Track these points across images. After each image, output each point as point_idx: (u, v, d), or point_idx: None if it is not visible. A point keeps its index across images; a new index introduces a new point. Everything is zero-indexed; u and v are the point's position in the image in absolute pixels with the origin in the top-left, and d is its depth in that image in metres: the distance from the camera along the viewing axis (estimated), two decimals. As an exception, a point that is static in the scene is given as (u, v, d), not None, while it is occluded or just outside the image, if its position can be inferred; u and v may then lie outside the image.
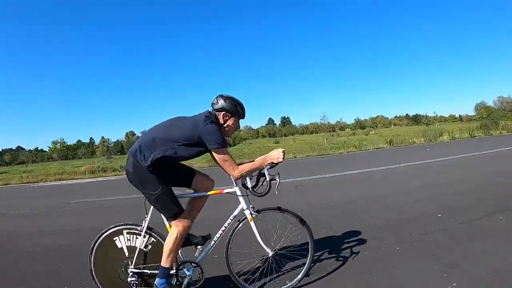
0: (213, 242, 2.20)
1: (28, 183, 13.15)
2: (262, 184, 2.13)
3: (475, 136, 18.29)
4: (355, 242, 3.01)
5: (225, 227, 2.19)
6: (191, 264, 2.19)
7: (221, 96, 2.14)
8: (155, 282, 2.10)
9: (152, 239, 2.19)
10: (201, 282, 2.17)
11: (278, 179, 2.08)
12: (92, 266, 2.17)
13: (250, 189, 2.11)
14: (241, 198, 2.18)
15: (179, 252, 2.17)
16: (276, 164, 2.13)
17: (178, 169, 2.27)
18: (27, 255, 3.42)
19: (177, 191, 2.16)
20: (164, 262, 2.08)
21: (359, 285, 2.26)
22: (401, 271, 2.38)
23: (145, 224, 2.16)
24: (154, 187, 2.03)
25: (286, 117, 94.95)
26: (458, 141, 16.45)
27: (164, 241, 2.14)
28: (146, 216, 2.16)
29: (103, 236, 2.18)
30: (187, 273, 2.16)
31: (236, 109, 2.14)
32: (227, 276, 2.21)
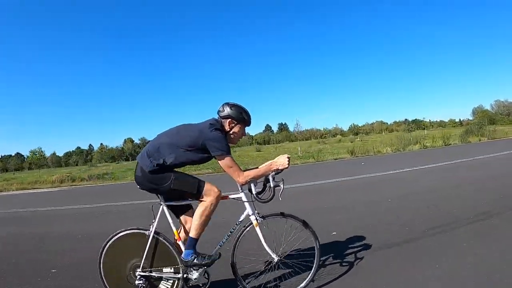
0: (219, 246, 2.23)
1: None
2: (267, 190, 2.16)
3: (450, 144, 17.67)
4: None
5: (231, 232, 2.22)
6: (198, 268, 2.23)
7: (227, 103, 2.19)
8: (182, 256, 2.15)
9: (159, 243, 2.24)
10: (207, 286, 2.20)
11: (282, 186, 2.11)
12: (101, 269, 2.22)
13: (255, 195, 2.14)
14: (246, 204, 2.21)
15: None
16: (282, 170, 2.16)
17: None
18: None
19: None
20: (192, 232, 2.12)
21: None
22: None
23: (152, 229, 2.20)
24: (166, 178, 2.09)
25: (284, 123, 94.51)
26: (427, 150, 15.95)
27: (170, 245, 2.19)
28: (153, 220, 2.21)
29: (112, 239, 2.23)
30: (194, 277, 2.20)
31: (241, 116, 2.18)
32: (233, 280, 2.24)
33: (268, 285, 2.36)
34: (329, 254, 2.90)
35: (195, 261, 2.11)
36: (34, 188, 14.79)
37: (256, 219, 2.20)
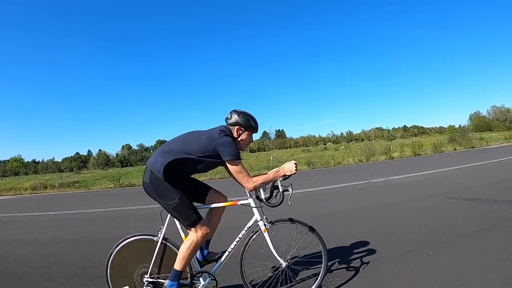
0: (227, 252, 2.24)
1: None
2: (275, 196, 2.18)
3: (420, 154, 16.65)
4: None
5: (239, 237, 2.23)
6: (206, 274, 2.23)
7: (235, 111, 2.23)
8: (165, 284, 2.14)
9: (168, 249, 2.24)
10: (215, 292, 2.20)
11: (291, 190, 2.14)
12: (108, 275, 2.22)
13: (264, 200, 2.16)
14: (255, 210, 2.23)
15: (196, 262, 2.21)
16: (289, 176, 2.19)
17: (194, 183, 2.34)
18: None
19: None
20: (177, 265, 2.11)
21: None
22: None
23: (161, 234, 2.21)
24: (171, 196, 2.09)
25: (281, 130, 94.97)
26: (391, 161, 14.94)
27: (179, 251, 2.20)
28: (162, 226, 2.22)
29: (120, 245, 2.23)
30: (202, 283, 2.20)
31: (249, 123, 2.21)
32: (241, 286, 2.25)
33: (276, 291, 2.37)
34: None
35: None
36: (4, 195, 15.26)
37: (265, 224, 2.21)
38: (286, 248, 2.34)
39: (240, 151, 2.19)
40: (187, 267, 2.17)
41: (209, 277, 2.23)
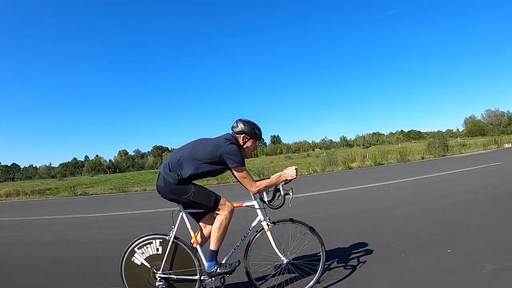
0: (232, 250, 2.44)
1: None
2: (277, 198, 2.39)
3: (383, 164, 15.45)
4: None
5: (244, 236, 2.44)
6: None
7: (240, 120, 2.44)
8: (205, 267, 2.36)
9: (179, 247, 2.43)
10: (223, 287, 2.39)
11: (291, 194, 2.34)
12: (122, 271, 2.40)
13: (267, 202, 2.37)
14: (258, 211, 2.43)
15: (202, 260, 2.41)
16: (290, 180, 2.39)
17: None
18: None
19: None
20: (212, 245, 2.34)
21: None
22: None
23: (172, 234, 2.40)
24: (187, 190, 2.31)
25: (276, 135, 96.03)
26: (347, 172, 13.96)
27: (189, 249, 2.39)
28: (173, 226, 2.41)
29: (134, 244, 2.42)
30: (210, 279, 2.39)
31: (254, 132, 2.42)
32: (246, 282, 2.44)
33: (278, 286, 2.56)
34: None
35: (218, 271, 2.33)
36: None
37: (267, 224, 2.42)
38: (287, 246, 2.53)
39: (245, 158, 2.39)
40: (198, 262, 2.37)
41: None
